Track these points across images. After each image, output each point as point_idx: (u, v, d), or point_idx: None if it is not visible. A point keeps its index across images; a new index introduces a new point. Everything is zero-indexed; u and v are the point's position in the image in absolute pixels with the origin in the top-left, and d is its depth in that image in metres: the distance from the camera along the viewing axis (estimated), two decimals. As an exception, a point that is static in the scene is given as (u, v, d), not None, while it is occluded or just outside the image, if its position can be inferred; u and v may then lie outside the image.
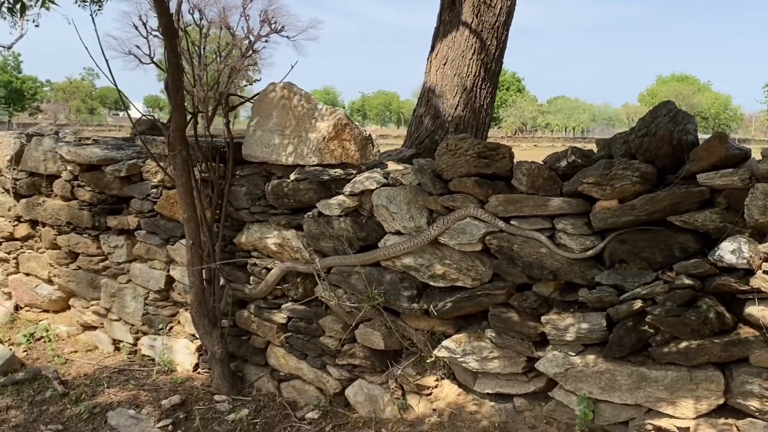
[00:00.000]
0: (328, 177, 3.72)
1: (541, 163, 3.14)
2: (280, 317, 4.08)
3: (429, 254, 3.38)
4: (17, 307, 5.81)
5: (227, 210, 4.22)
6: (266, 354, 4.26)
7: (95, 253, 5.13)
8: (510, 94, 78.77)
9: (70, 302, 5.52)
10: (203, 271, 4.08)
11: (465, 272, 3.28)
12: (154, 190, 4.65)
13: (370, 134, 3.93)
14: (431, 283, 3.42)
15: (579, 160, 3.03)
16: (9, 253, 5.77)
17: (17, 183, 5.60)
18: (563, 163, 3.08)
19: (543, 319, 3.07)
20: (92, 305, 5.25)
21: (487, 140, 4.38)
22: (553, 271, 3.02)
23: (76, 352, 5.10)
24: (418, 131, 5.18)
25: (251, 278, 4.20)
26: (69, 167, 5.11)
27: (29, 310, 5.76)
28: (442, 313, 3.37)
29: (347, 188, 3.69)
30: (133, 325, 4.99)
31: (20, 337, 5.28)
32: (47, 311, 5.69)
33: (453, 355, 3.35)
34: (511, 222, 3.13)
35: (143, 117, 4.54)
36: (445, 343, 3.40)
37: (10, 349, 5.05)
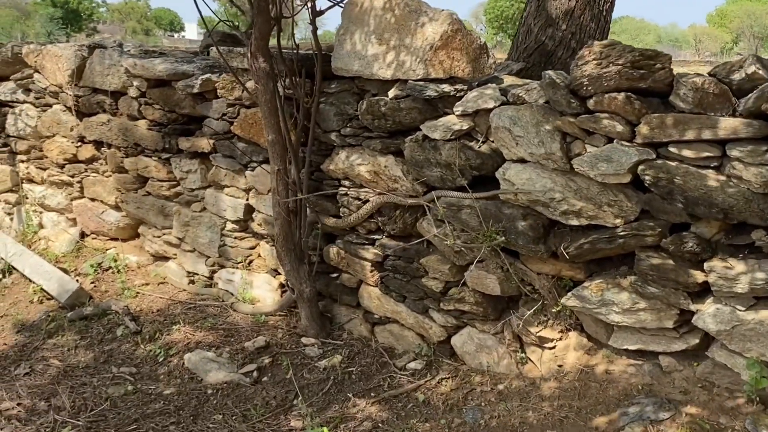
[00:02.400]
0: (435, 93, 3.34)
1: (709, 75, 2.68)
2: (374, 254, 3.83)
3: (561, 186, 3.00)
4: (83, 235, 5.77)
5: (314, 132, 3.91)
6: (358, 294, 4.04)
7: (165, 177, 4.96)
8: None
9: (139, 230, 5.43)
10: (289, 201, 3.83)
11: (606, 208, 2.91)
12: (231, 108, 4.38)
13: (484, 42, 3.50)
14: (562, 221, 3.06)
15: (760, 72, 2.55)
16: (73, 177, 5.70)
17: (79, 100, 5.44)
18: (738, 76, 2.60)
19: (705, 266, 2.69)
20: (163, 234, 5.14)
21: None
22: (725, 209, 2.62)
23: (147, 284, 5.03)
24: (525, 41, 4.73)
25: (341, 209, 3.93)
26: (135, 83, 4.89)
27: (95, 238, 5.71)
28: (574, 256, 3.03)
29: (458, 107, 3.32)
30: (208, 257, 4.86)
31: (87, 267, 5.25)
32: (114, 239, 5.63)
33: (586, 304, 3.03)
34: (669, 148, 2.70)
35: (221, 22, 4.19)
36: (576, 290, 3.07)
37: (77, 281, 5.02)
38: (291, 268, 3.89)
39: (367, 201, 3.77)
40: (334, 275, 4.17)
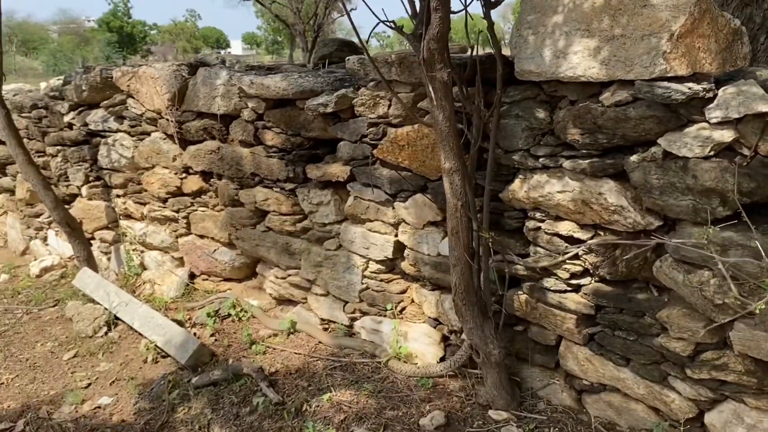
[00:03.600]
0: (682, 96, 2.48)
1: None
2: (581, 304, 2.99)
3: None
4: (192, 276, 5.13)
5: (494, 153, 3.10)
6: (557, 353, 3.21)
7: (290, 211, 4.25)
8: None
9: (258, 270, 4.75)
10: (470, 241, 3.03)
11: None
12: (373, 129, 3.62)
13: (741, 26, 2.62)
14: None
15: None
16: (177, 212, 5.05)
17: (182, 126, 4.78)
18: None
19: None
20: (289, 275, 4.43)
21: None
22: None
23: (275, 336, 4.32)
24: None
25: (531, 248, 3.11)
26: (251, 104, 4.19)
27: (206, 279, 5.06)
28: None
29: (714, 112, 2.45)
30: (346, 303, 4.12)
31: (203, 315, 4.58)
32: (228, 280, 4.96)
33: None
34: None
35: (381, 23, 3.40)
36: None
37: (196, 335, 4.35)
38: (474, 324, 3.10)
39: (570, 237, 2.94)
40: (520, 328, 3.35)
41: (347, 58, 3.66)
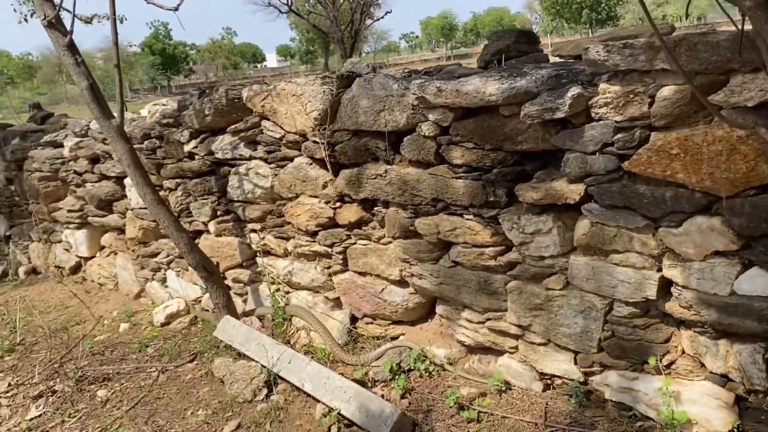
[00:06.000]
0: None
1: None
2: None
3: None
4: (353, 319, 4.37)
5: None
6: None
7: (488, 242, 3.46)
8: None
9: (439, 311, 4.00)
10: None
11: None
12: (622, 134, 2.80)
13: None
14: None
15: None
16: (331, 246, 4.31)
17: (336, 148, 4.04)
18: None
19: None
20: (488, 319, 3.63)
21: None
22: None
23: (481, 396, 3.54)
24: None
25: None
26: (433, 116, 3.42)
27: (371, 323, 4.33)
28: None
29: None
30: (577, 353, 3.29)
31: (384, 371, 3.83)
32: (398, 323, 4.19)
33: None
34: None
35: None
36: None
37: (384, 398, 3.58)
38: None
39: None
40: None
41: (586, 47, 2.84)
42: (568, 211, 3.18)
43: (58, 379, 4.85)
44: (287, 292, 4.76)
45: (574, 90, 2.89)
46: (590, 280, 3.13)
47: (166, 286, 5.85)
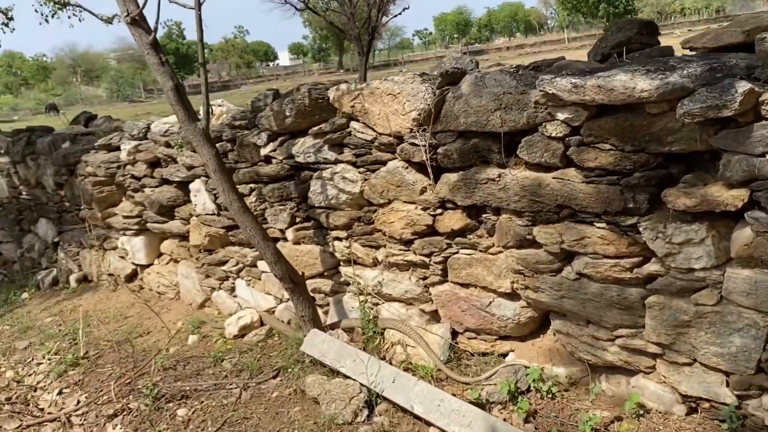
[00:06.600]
0: None
1: None
2: None
3: None
4: (453, 334, 4.09)
5: None
6: None
7: (623, 252, 3.19)
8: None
9: (555, 326, 3.71)
10: None
11: None
12: (805, 134, 2.48)
13: None
14: None
15: None
16: (428, 256, 4.06)
17: (437, 151, 3.77)
18: None
19: None
20: (617, 336, 3.35)
21: None
22: None
23: (616, 420, 3.24)
24: None
25: None
26: (563, 114, 3.15)
27: (475, 338, 4.05)
28: None
29: None
30: (730, 375, 3.00)
31: (501, 392, 3.56)
32: (505, 338, 3.92)
33: None
34: None
35: None
36: None
37: (506, 422, 3.31)
38: None
39: None
40: None
41: (762, 36, 2.54)
42: (723, 219, 2.89)
43: (131, 396, 4.62)
44: (375, 304, 4.50)
45: (744, 85, 2.59)
46: (750, 295, 2.84)
47: (235, 296, 5.61)
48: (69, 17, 13.77)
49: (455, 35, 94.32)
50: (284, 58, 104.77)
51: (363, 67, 22.36)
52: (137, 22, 3.79)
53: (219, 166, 4.05)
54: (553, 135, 3.26)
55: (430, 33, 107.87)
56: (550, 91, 3.13)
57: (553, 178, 3.34)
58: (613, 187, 3.13)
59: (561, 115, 3.19)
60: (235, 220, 4.29)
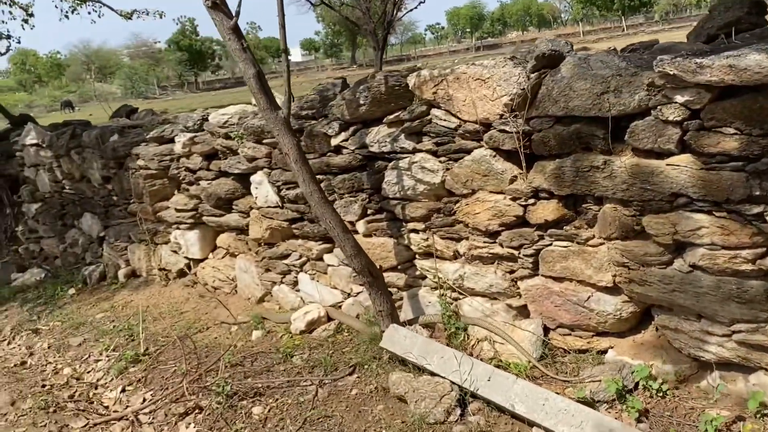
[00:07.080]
0: None
1: None
2: None
3: None
4: (546, 330, 3.92)
5: None
6: None
7: (745, 243, 3.04)
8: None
9: (659, 321, 3.52)
10: None
11: None
12: None
13: None
14: None
15: None
16: (517, 248, 3.90)
17: (531, 138, 3.60)
18: None
19: None
20: (734, 331, 3.18)
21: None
22: None
23: (740, 420, 3.10)
24: None
25: None
26: (682, 97, 2.99)
27: (569, 334, 3.87)
28: None
29: None
30: None
31: (607, 390, 3.39)
32: (602, 334, 3.74)
33: None
34: None
35: None
36: None
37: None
38: None
39: None
40: None
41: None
42: None
43: (200, 394, 4.48)
44: (455, 299, 4.33)
45: None
46: None
47: (298, 290, 5.46)
48: (89, 13, 13.72)
49: (468, 29, 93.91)
50: (296, 54, 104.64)
51: (378, 61, 22.24)
52: (218, 6, 3.64)
53: (300, 156, 3.90)
54: (670, 119, 3.07)
55: (443, 27, 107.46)
56: (671, 72, 2.95)
57: (668, 165, 3.16)
58: (738, 173, 2.94)
59: (680, 98, 3.00)
60: (314, 212, 4.14)
